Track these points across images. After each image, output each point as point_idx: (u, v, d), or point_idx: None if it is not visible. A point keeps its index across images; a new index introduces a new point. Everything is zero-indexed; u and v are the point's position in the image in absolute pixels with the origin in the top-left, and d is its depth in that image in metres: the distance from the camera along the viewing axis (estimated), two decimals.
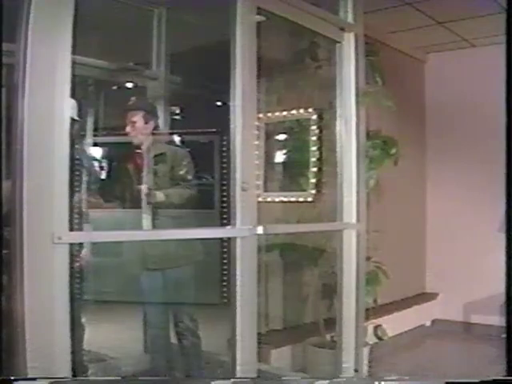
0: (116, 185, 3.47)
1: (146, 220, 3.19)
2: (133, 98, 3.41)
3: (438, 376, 2.54)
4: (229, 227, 2.54)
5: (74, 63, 1.92)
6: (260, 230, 2.56)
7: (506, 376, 2.22)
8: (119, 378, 2.34)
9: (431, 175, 5.57)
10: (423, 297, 5.45)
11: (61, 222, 1.87)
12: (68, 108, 1.90)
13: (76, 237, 2.20)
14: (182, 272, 3.29)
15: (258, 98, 2.65)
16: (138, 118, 3.26)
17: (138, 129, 3.26)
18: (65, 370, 1.89)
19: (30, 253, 1.79)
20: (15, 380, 1.71)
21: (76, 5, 1.92)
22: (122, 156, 3.49)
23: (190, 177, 3.30)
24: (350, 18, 3.31)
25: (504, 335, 2.46)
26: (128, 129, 3.28)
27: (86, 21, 2.05)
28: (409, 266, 5.13)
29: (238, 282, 2.48)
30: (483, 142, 4.97)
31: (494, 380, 1.89)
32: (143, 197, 3.17)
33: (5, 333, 1.82)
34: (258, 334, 2.59)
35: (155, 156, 3.26)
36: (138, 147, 3.28)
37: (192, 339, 3.34)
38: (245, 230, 2.49)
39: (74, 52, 1.92)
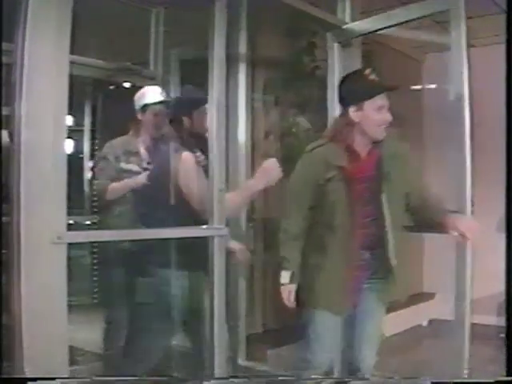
0: None
1: None
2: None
3: (442, 376, 2.54)
4: (205, 226, 2.45)
5: (72, 63, 1.92)
6: None
7: (505, 376, 2.22)
8: (119, 378, 2.34)
9: (429, 175, 5.56)
10: (420, 296, 5.45)
11: (60, 222, 1.87)
12: (65, 108, 1.89)
13: (76, 236, 2.19)
14: None
15: (256, 98, 2.67)
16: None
17: None
18: (63, 370, 1.88)
19: (29, 253, 1.78)
20: (29, 379, 1.70)
21: (74, 5, 1.91)
22: None
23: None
24: (348, 18, 3.31)
25: (503, 335, 2.46)
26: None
27: (85, 21, 2.05)
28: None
29: (216, 280, 2.44)
30: (483, 142, 4.96)
31: (495, 380, 1.89)
32: None
33: (3, 333, 1.81)
34: (256, 333, 2.58)
35: None
36: None
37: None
38: (223, 229, 2.43)
39: (72, 52, 1.92)
